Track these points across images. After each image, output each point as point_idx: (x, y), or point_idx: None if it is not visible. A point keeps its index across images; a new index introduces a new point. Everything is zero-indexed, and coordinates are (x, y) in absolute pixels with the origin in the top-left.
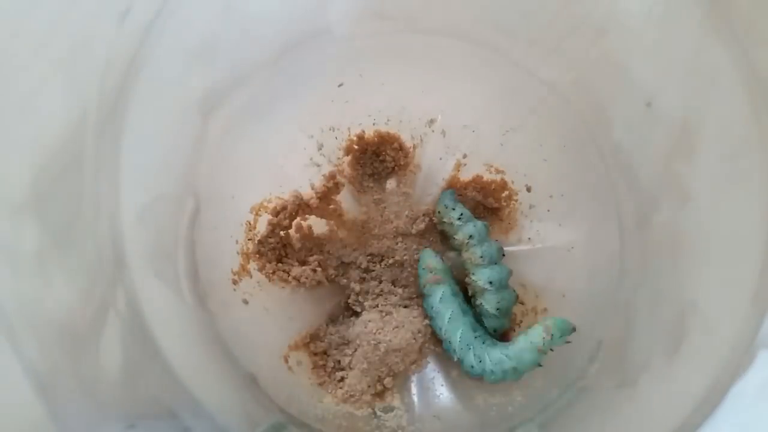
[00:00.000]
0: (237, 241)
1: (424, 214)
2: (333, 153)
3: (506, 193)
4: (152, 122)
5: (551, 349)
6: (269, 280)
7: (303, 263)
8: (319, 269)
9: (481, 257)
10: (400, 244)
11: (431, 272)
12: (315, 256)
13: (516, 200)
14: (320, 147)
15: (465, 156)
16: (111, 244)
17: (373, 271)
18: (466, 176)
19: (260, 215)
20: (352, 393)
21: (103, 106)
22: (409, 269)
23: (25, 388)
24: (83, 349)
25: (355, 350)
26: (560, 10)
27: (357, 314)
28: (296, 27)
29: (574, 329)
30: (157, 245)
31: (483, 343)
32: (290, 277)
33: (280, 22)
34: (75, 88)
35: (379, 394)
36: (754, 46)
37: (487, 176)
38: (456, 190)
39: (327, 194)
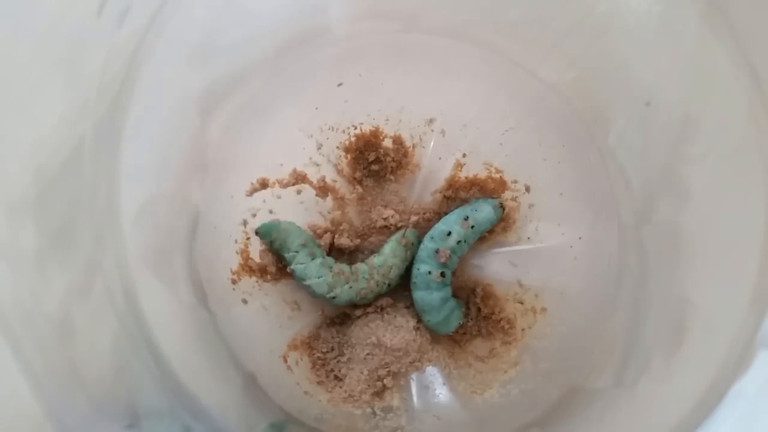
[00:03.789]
0: (236, 241)
1: (424, 214)
2: (332, 152)
3: (505, 192)
4: (152, 122)
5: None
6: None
7: None
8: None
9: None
10: None
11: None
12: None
13: (515, 199)
14: (319, 147)
15: (464, 155)
16: (111, 244)
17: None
18: (465, 175)
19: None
20: (351, 392)
21: (102, 105)
22: (410, 269)
23: (23, 387)
24: (82, 349)
25: (355, 350)
26: (560, 10)
27: (357, 314)
28: (296, 27)
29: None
30: (157, 245)
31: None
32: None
33: (280, 21)
34: (74, 88)
35: (379, 394)
36: (753, 46)
37: (486, 175)
38: (456, 189)
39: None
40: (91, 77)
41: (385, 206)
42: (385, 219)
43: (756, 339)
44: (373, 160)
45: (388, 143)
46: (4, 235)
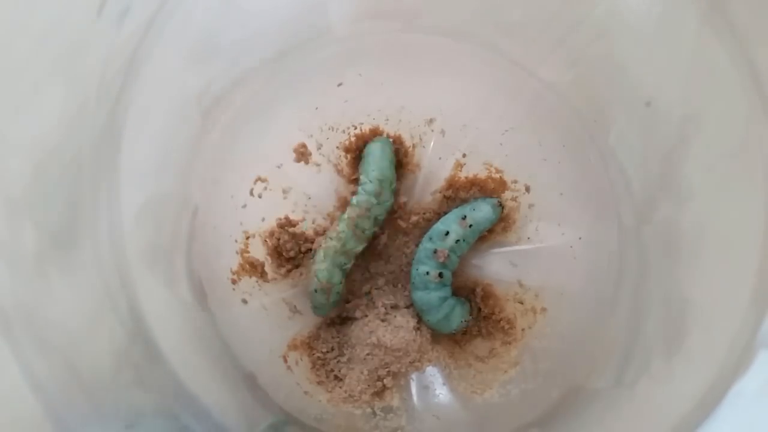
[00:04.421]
0: (236, 241)
1: (424, 214)
2: (332, 152)
3: (505, 192)
4: (151, 122)
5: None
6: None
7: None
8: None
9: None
10: (399, 245)
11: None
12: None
13: (515, 199)
14: (320, 147)
15: (464, 155)
16: (111, 244)
17: (373, 271)
18: (465, 175)
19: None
20: (351, 392)
21: (102, 105)
22: (409, 269)
23: (23, 387)
24: (82, 349)
25: (355, 350)
26: (560, 10)
27: (357, 314)
28: (296, 27)
29: None
30: (157, 245)
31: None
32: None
33: (280, 21)
34: (74, 88)
35: (379, 394)
36: (753, 46)
37: (486, 175)
38: (456, 189)
39: None
40: (91, 77)
41: None
42: None
43: (756, 339)
44: None
45: None
46: (4, 235)
